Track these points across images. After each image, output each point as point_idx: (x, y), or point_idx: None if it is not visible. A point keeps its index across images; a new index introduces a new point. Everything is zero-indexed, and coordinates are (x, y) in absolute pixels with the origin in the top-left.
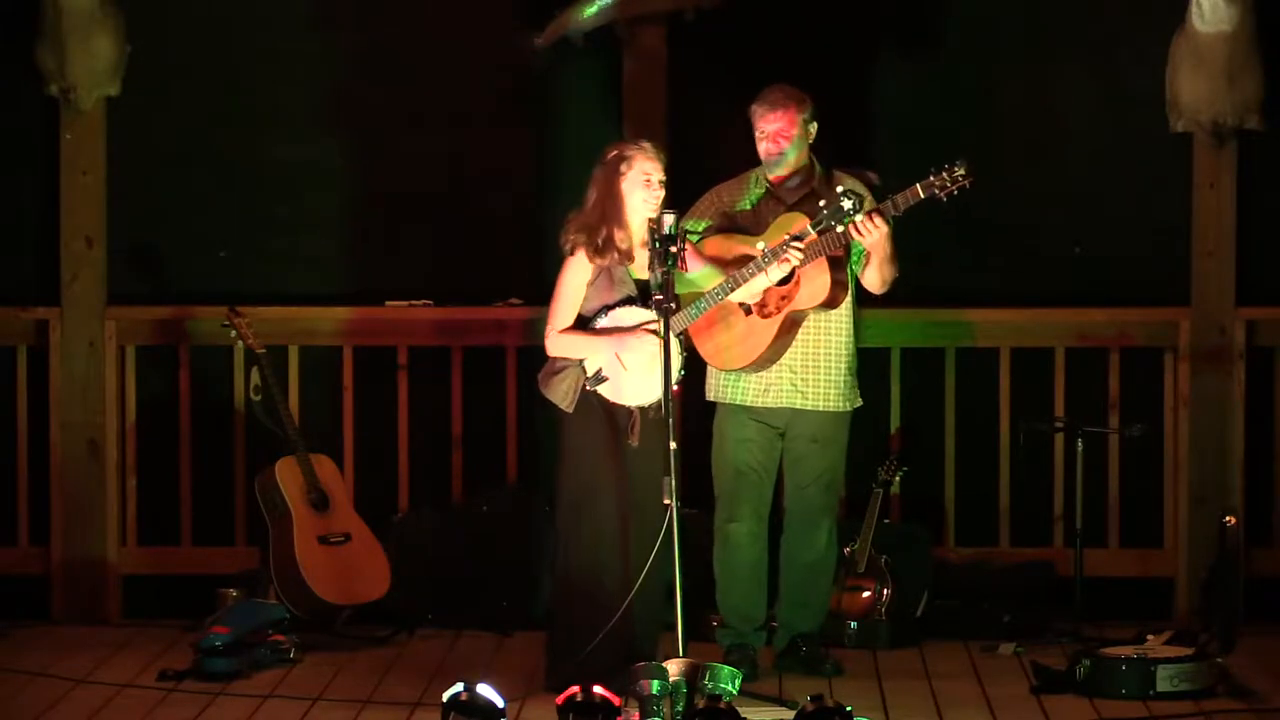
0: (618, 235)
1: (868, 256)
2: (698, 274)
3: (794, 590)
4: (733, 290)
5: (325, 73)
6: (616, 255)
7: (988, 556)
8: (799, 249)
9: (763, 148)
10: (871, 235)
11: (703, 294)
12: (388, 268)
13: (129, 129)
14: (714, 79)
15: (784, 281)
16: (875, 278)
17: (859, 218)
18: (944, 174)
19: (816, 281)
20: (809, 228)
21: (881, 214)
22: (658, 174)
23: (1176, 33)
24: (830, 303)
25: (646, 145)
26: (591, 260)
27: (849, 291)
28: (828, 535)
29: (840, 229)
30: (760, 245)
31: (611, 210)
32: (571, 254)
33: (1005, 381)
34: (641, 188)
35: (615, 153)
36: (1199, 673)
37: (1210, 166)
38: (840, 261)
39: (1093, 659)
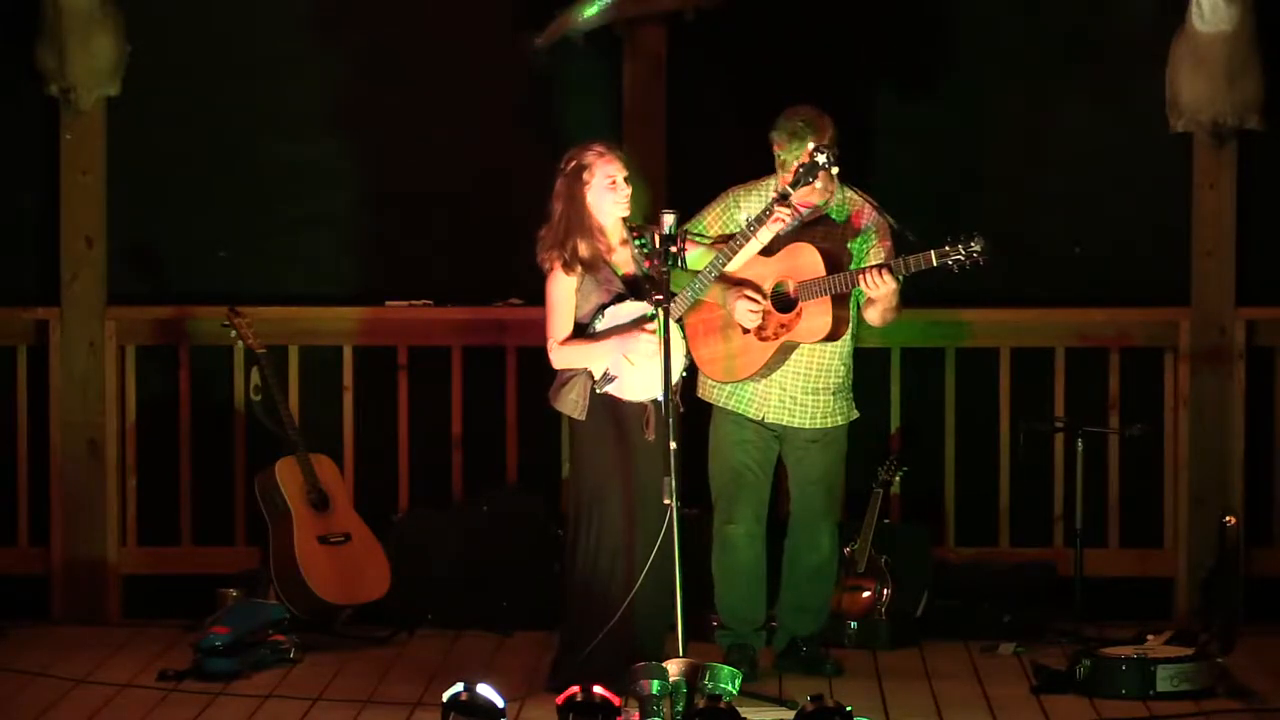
0: (585, 246)
1: (871, 300)
2: (695, 255)
3: (796, 594)
4: (725, 264)
5: (325, 73)
6: (590, 263)
7: (988, 556)
8: (786, 209)
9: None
10: (879, 289)
11: (698, 272)
12: (388, 268)
13: (129, 129)
14: (714, 79)
15: (787, 309)
16: (876, 317)
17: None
18: (959, 246)
19: (818, 320)
20: (788, 188)
21: (891, 271)
22: (621, 173)
23: (1176, 33)
24: (830, 338)
25: (603, 149)
26: (568, 274)
27: (850, 322)
28: (830, 539)
29: (819, 185)
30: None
31: (578, 221)
32: (550, 271)
33: (1005, 381)
34: (608, 192)
35: (574, 163)
36: (1199, 673)
37: (1210, 166)
38: (844, 298)
39: (1093, 659)
